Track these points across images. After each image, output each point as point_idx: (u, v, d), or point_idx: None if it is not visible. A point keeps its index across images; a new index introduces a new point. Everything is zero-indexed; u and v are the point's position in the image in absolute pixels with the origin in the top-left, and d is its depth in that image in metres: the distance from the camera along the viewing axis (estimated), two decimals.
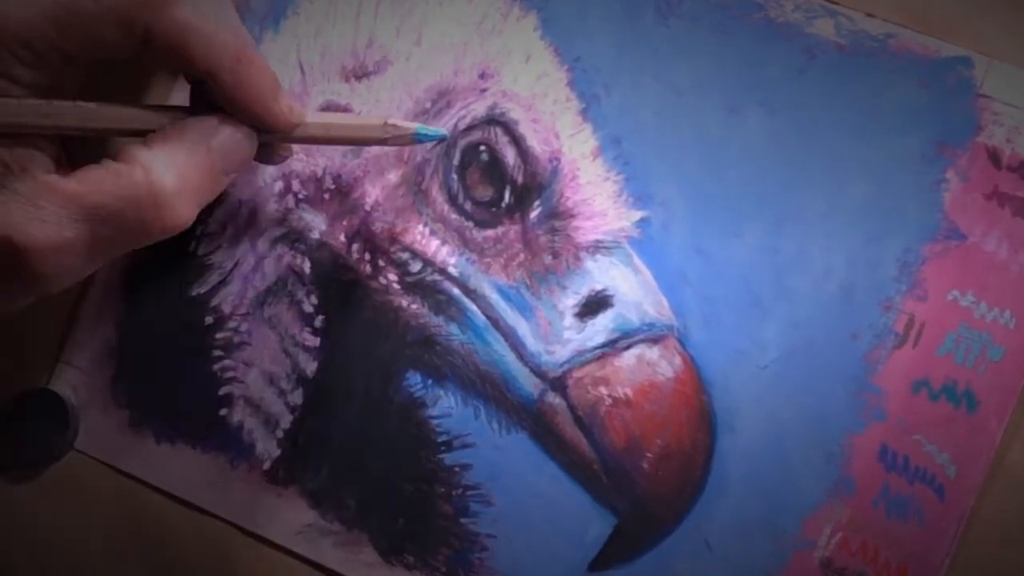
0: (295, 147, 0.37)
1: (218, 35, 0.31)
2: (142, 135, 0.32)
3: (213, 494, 0.37)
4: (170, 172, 0.31)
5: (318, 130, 0.34)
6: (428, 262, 0.37)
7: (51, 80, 0.30)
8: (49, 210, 0.30)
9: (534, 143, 0.37)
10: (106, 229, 0.30)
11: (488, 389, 0.37)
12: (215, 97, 0.32)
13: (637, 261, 0.36)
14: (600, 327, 0.36)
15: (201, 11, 0.31)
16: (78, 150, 0.32)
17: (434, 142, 0.36)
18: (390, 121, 0.35)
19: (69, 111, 0.31)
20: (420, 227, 0.37)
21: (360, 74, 0.38)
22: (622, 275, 0.36)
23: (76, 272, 0.31)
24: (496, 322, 0.37)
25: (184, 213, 0.31)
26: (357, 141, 0.36)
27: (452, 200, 0.37)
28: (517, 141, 0.37)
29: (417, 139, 0.35)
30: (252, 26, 0.38)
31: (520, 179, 0.37)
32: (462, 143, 0.37)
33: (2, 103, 0.29)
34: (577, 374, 0.36)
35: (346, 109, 0.38)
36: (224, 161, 0.32)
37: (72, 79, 0.32)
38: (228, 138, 0.32)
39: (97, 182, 0.30)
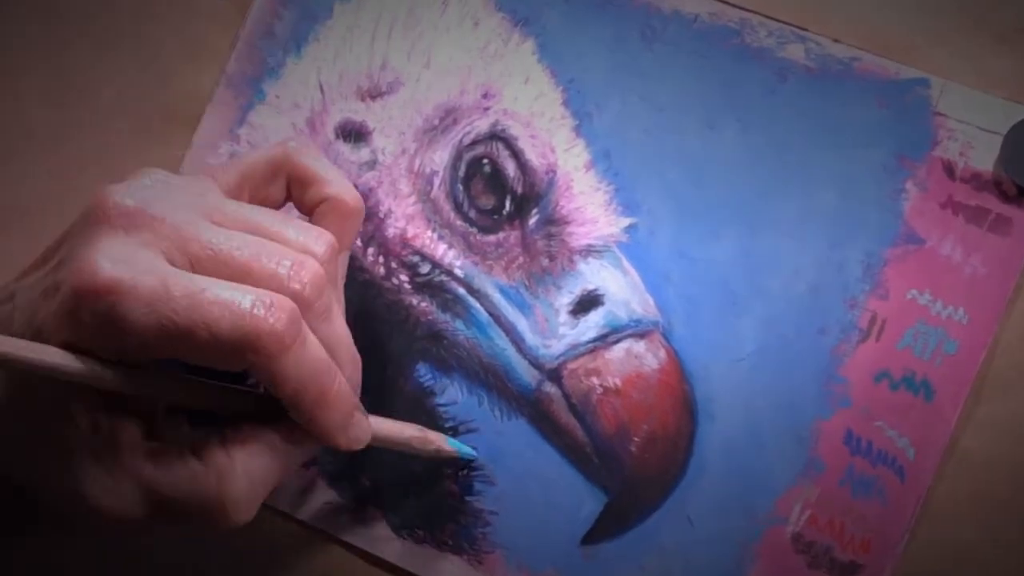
0: None
1: (312, 379, 0.30)
2: (226, 414, 0.31)
3: None
4: (242, 480, 0.30)
5: (374, 442, 0.34)
6: (436, 264, 0.38)
7: (138, 362, 0.29)
8: (124, 487, 0.29)
9: (532, 157, 0.38)
10: (170, 516, 0.30)
11: (491, 379, 0.37)
12: (291, 412, 0.31)
13: (625, 263, 0.37)
14: (592, 323, 0.37)
15: (307, 359, 0.29)
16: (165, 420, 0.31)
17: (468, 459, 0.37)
18: (445, 447, 0.35)
19: (172, 385, 0.30)
20: (429, 233, 0.38)
21: (375, 94, 0.39)
22: (612, 276, 0.37)
23: (132, 533, 0.31)
24: (498, 319, 0.37)
25: (247, 515, 0.31)
26: (406, 450, 0.36)
27: (458, 208, 0.38)
28: (517, 155, 0.38)
29: (462, 457, 0.36)
30: (276, 51, 0.40)
31: (519, 189, 0.38)
32: (467, 157, 0.38)
33: (112, 369, 0.28)
34: (571, 366, 0.37)
35: (362, 126, 0.39)
36: (288, 468, 0.32)
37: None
38: (295, 450, 0.32)
39: (172, 475, 0.30)
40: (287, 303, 0.29)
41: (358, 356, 0.33)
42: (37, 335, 0.28)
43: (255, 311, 0.28)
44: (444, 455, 0.36)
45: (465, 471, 0.38)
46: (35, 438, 0.30)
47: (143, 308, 0.28)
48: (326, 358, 0.30)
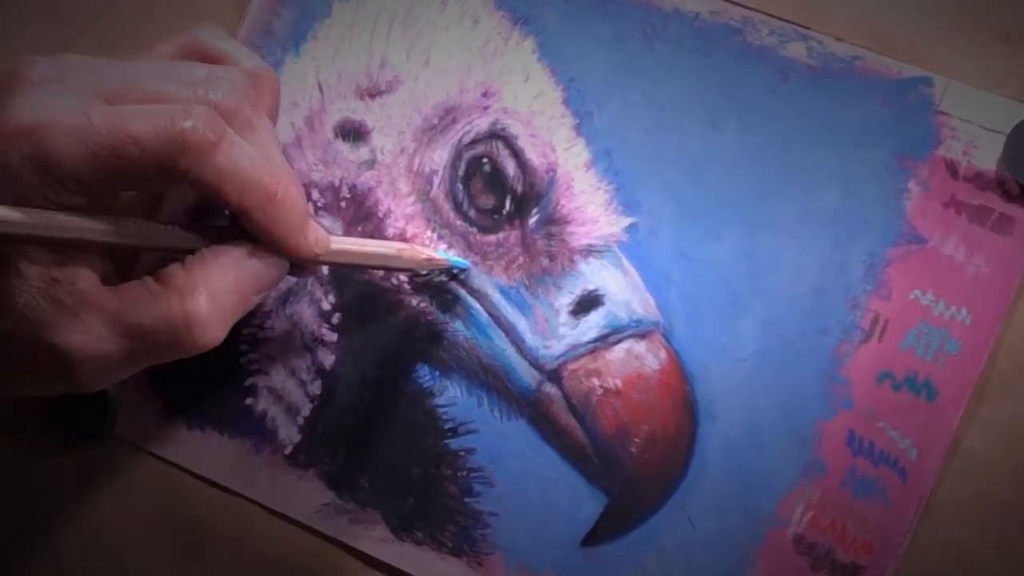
0: (311, 157, 0.38)
1: (252, 178, 0.31)
2: (183, 253, 0.32)
3: (239, 476, 0.38)
4: (204, 299, 0.31)
5: (342, 256, 0.34)
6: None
7: (93, 202, 0.30)
8: (93, 324, 0.30)
9: (532, 156, 0.38)
10: (140, 345, 0.31)
11: (490, 380, 0.37)
12: (244, 226, 0.32)
13: (626, 263, 0.37)
14: (592, 323, 0.37)
15: (238, 155, 0.30)
16: (125, 262, 0.32)
17: (460, 269, 0.37)
18: (426, 255, 0.36)
19: (114, 229, 0.31)
20: (428, 232, 0.38)
21: (374, 93, 0.39)
22: (612, 276, 0.37)
23: (111, 377, 0.32)
24: (497, 319, 0.37)
25: (214, 336, 0.31)
26: (383, 266, 0.36)
27: (458, 208, 0.38)
28: (517, 154, 0.38)
29: (455, 266, 0.37)
30: (274, 49, 0.40)
31: (520, 189, 0.38)
32: (467, 156, 0.38)
33: (54, 217, 0.29)
34: (571, 366, 0.37)
35: (361, 125, 0.39)
36: (255, 285, 0.32)
37: (114, 200, 0.32)
38: (259, 265, 0.32)
39: (136, 302, 0.31)
40: (205, 106, 0.30)
41: (295, 176, 0.33)
42: None
43: (176, 116, 0.29)
44: (436, 264, 0.36)
45: (465, 472, 0.37)
46: None
47: (69, 140, 0.29)
48: (262, 159, 0.31)
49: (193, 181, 0.30)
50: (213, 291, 0.31)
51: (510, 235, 0.38)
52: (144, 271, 0.32)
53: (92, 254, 0.31)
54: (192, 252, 0.32)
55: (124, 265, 0.32)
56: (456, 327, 0.38)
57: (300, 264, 0.34)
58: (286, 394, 0.38)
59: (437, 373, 0.38)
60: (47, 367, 0.31)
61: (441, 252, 0.37)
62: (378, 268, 0.37)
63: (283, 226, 0.32)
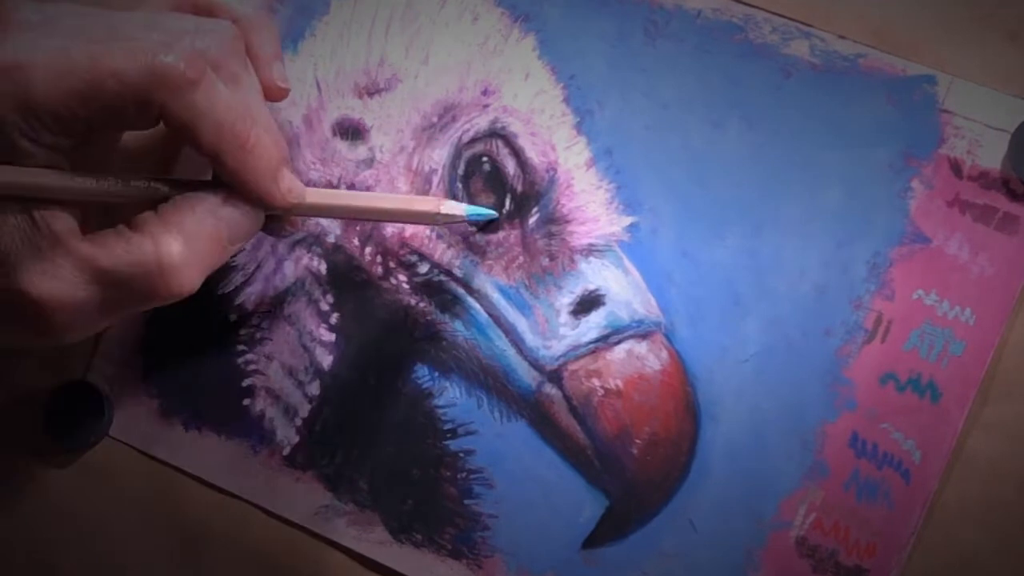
0: (309, 156, 0.38)
1: (226, 121, 0.31)
2: (157, 204, 0.32)
3: (237, 477, 0.38)
4: (177, 243, 0.31)
5: (324, 209, 0.35)
6: (435, 264, 0.38)
7: (74, 144, 0.30)
8: (64, 269, 0.30)
9: (532, 154, 0.38)
10: (115, 292, 0.31)
11: (490, 381, 0.37)
12: (217, 171, 0.32)
13: (627, 263, 0.37)
14: (593, 324, 0.37)
15: (215, 97, 0.31)
16: (104, 214, 0.32)
17: (483, 220, 0.37)
18: (444, 209, 0.35)
19: (90, 182, 0.31)
20: (427, 232, 0.38)
21: (372, 91, 0.39)
22: (613, 276, 0.37)
23: (86, 327, 0.32)
24: (497, 319, 0.37)
25: (189, 282, 0.31)
26: (380, 219, 0.36)
27: None
28: (517, 153, 0.38)
29: (472, 218, 0.37)
30: None
31: (520, 187, 0.38)
32: (466, 154, 0.38)
33: (30, 171, 0.30)
34: (572, 367, 0.37)
35: (359, 123, 0.39)
36: (230, 233, 0.32)
37: (96, 143, 0.32)
38: (233, 213, 0.32)
39: (110, 248, 0.31)
40: (189, 47, 0.30)
41: (280, 133, 0.33)
42: None
43: (157, 51, 0.30)
44: (451, 220, 0.36)
45: (464, 474, 0.37)
46: None
47: (50, 76, 0.29)
48: (238, 105, 0.31)
49: (169, 118, 0.30)
50: (187, 236, 0.31)
51: (510, 234, 0.38)
52: (121, 222, 0.32)
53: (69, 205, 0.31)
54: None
55: (103, 217, 0.32)
56: (455, 327, 0.38)
57: (275, 215, 0.34)
58: (284, 395, 0.38)
59: (436, 374, 0.38)
60: (19, 315, 0.31)
61: (467, 208, 0.37)
62: (373, 220, 0.37)
63: (255, 173, 0.32)
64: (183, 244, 0.31)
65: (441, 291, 0.38)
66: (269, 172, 0.32)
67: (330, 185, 0.39)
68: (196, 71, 0.30)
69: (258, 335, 0.39)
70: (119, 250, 0.31)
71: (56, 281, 0.30)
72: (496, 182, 0.38)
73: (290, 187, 0.33)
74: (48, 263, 0.30)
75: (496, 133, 0.38)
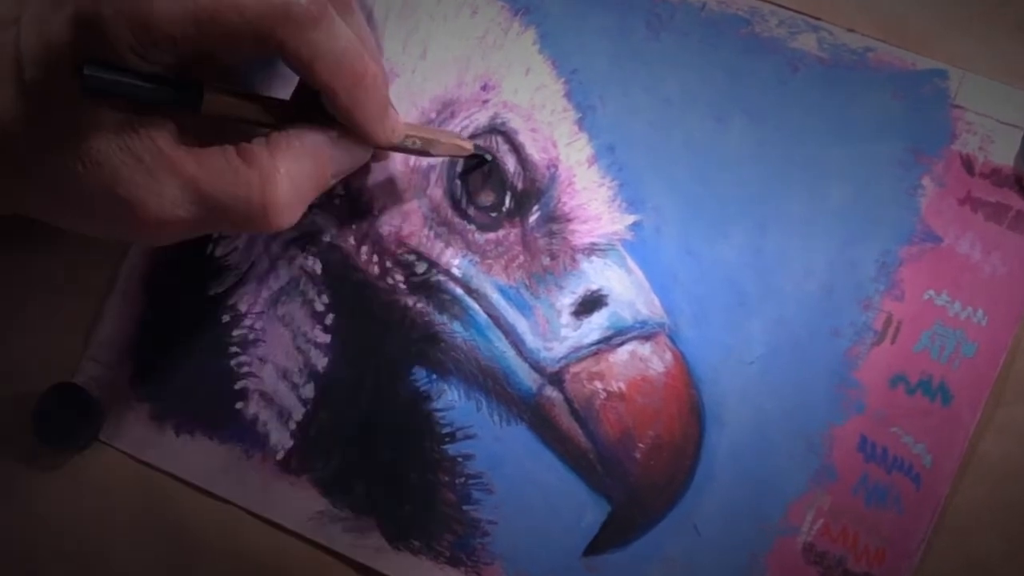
0: None
1: (345, 59, 0.31)
2: (264, 126, 0.32)
3: (229, 482, 0.38)
4: (285, 182, 0.32)
5: (413, 144, 0.35)
6: (433, 263, 0.38)
7: (183, 65, 0.31)
8: (167, 187, 0.31)
9: (533, 151, 0.38)
10: (211, 215, 0.31)
11: (489, 383, 0.37)
12: (328, 106, 0.32)
13: (630, 262, 0.37)
14: (595, 325, 0.37)
15: (336, 34, 0.31)
16: (205, 124, 0.32)
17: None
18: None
19: (204, 99, 0.31)
20: (425, 230, 0.38)
21: None
22: (616, 275, 0.37)
23: (172, 238, 0.32)
24: (497, 320, 0.37)
25: (288, 219, 0.32)
26: (446, 154, 0.37)
27: (455, 205, 0.38)
28: (517, 149, 0.38)
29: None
30: None
31: (520, 185, 0.37)
32: None
33: (139, 80, 0.30)
34: (574, 369, 0.37)
35: None
36: (333, 169, 0.33)
37: (204, 68, 0.32)
38: (340, 150, 0.33)
39: (217, 173, 0.31)
40: None
41: (382, 64, 0.34)
42: (47, 49, 0.30)
43: None
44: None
45: (463, 479, 0.37)
46: (60, 155, 0.30)
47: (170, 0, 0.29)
48: (357, 42, 0.32)
49: (288, 55, 0.30)
50: (294, 175, 0.32)
51: (510, 233, 0.38)
52: (221, 136, 0.32)
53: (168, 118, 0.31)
54: (273, 127, 0.32)
55: (202, 126, 0.32)
56: (454, 328, 0.37)
57: (375, 150, 0.35)
58: (278, 398, 0.38)
59: (434, 376, 0.37)
60: (113, 216, 0.31)
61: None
62: (439, 156, 0.37)
63: (365, 111, 0.32)
64: (289, 184, 0.32)
65: (439, 291, 0.38)
66: (379, 111, 0.33)
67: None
68: (319, 8, 0.30)
69: (251, 336, 0.38)
70: (227, 180, 0.31)
71: (159, 198, 0.31)
72: (496, 180, 0.38)
73: (394, 127, 0.34)
74: (152, 179, 0.30)
75: (496, 129, 0.38)
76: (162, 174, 0.30)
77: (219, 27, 0.29)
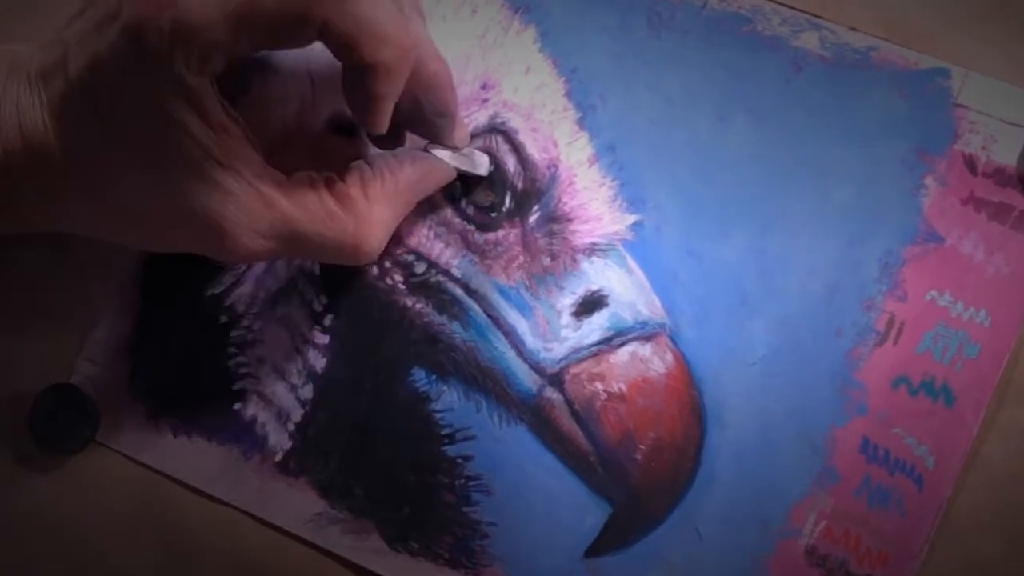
0: (303, 153, 0.37)
1: (389, 31, 0.30)
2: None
3: (227, 484, 0.38)
4: (380, 228, 0.32)
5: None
6: (432, 264, 0.37)
7: (221, 66, 0.30)
8: (260, 224, 0.31)
9: (533, 151, 0.37)
10: (300, 251, 0.32)
11: (489, 384, 0.37)
12: (403, 116, 0.33)
13: (631, 262, 0.37)
14: (596, 325, 0.36)
15: (375, 4, 0.30)
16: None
17: None
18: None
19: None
20: (424, 230, 0.38)
21: None
22: (617, 276, 0.37)
23: (252, 261, 0.33)
24: (497, 321, 0.37)
25: (376, 256, 0.33)
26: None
27: (455, 204, 0.37)
28: (517, 149, 0.37)
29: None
30: None
31: (520, 185, 0.37)
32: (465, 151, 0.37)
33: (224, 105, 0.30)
34: (574, 370, 0.36)
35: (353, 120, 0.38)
36: (422, 196, 0.34)
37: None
38: (429, 178, 0.34)
39: (311, 214, 0.31)
40: None
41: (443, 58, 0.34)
42: (95, 70, 0.30)
43: None
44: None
45: (463, 481, 0.37)
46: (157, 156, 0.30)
47: (204, 4, 0.29)
48: (397, 12, 0.31)
49: (329, 32, 0.30)
50: (387, 219, 0.33)
51: (510, 233, 0.37)
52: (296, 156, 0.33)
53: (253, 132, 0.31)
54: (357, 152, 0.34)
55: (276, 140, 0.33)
56: (453, 329, 0.37)
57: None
58: (276, 399, 0.38)
59: (434, 377, 0.37)
60: (198, 239, 0.31)
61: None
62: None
63: (428, 81, 0.32)
64: (382, 227, 0.33)
65: (439, 291, 0.37)
66: (445, 79, 0.33)
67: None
68: None
69: (249, 337, 0.38)
70: (320, 221, 0.31)
71: (251, 233, 0.31)
72: (496, 179, 0.38)
73: (463, 136, 0.35)
74: (244, 213, 0.31)
75: (496, 128, 0.38)
76: (256, 209, 0.31)
77: (257, 16, 0.29)
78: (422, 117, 0.34)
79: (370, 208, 0.32)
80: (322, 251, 0.32)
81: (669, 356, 0.36)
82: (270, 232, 0.31)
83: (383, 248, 0.33)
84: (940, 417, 0.35)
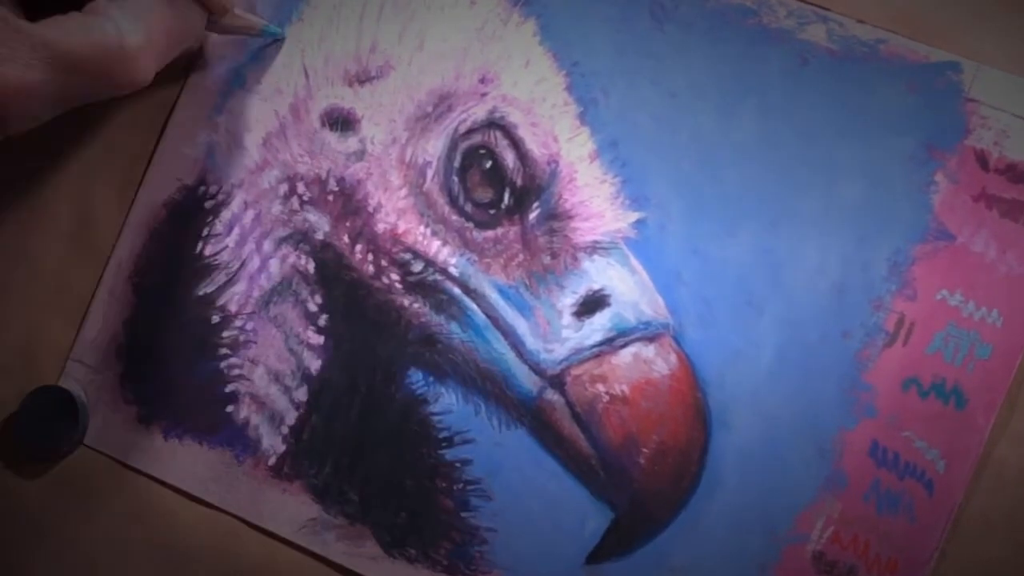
0: (297, 147, 0.38)
1: None
2: None
3: (219, 489, 0.37)
4: (139, 28, 0.32)
5: (236, 21, 0.36)
6: (429, 262, 0.37)
7: None
8: (20, 52, 0.29)
9: (533, 146, 0.37)
10: (72, 77, 0.30)
11: (488, 386, 0.37)
12: None
13: (634, 261, 0.36)
14: (597, 326, 0.36)
15: None
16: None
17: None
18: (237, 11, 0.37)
19: None
20: (422, 228, 0.37)
21: (363, 79, 0.38)
22: (619, 275, 0.36)
23: (38, 115, 0.31)
24: (496, 321, 0.37)
25: (147, 70, 0.32)
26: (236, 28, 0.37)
27: (453, 202, 0.37)
28: (516, 144, 0.37)
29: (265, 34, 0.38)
30: None
31: (519, 181, 0.37)
32: (463, 146, 0.37)
33: None
34: (575, 372, 0.36)
35: (349, 113, 0.38)
36: (182, 27, 0.34)
37: None
38: (182, 8, 0.34)
39: (68, 30, 0.30)
40: None
41: None
42: None
43: None
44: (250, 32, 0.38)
45: (461, 485, 0.36)
46: None
47: None
48: None
49: None
50: (146, 24, 0.32)
51: (509, 231, 0.37)
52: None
53: None
54: None
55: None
56: (452, 329, 0.37)
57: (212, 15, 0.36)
58: (269, 401, 0.38)
59: (431, 379, 0.37)
60: None
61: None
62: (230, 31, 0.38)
63: None
64: (144, 30, 0.32)
65: (436, 291, 0.37)
66: None
67: (318, 179, 0.38)
68: None
69: (242, 338, 0.38)
70: (78, 33, 0.30)
71: (11, 64, 0.29)
72: (494, 175, 0.37)
73: None
74: (3, 46, 0.29)
75: (495, 123, 0.37)
76: (13, 42, 0.29)
77: None
78: None
79: (124, 11, 0.32)
80: (92, 67, 0.31)
81: (673, 357, 0.36)
82: (35, 60, 0.30)
83: (153, 66, 0.32)
84: (951, 420, 0.35)
